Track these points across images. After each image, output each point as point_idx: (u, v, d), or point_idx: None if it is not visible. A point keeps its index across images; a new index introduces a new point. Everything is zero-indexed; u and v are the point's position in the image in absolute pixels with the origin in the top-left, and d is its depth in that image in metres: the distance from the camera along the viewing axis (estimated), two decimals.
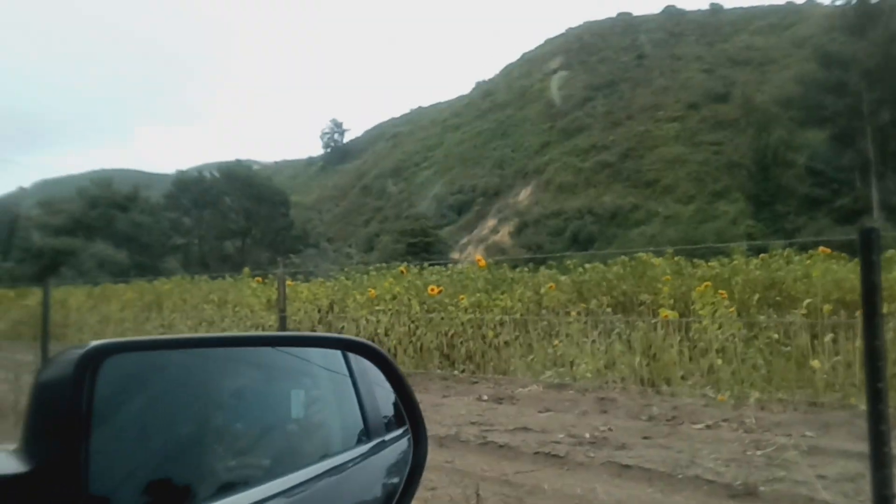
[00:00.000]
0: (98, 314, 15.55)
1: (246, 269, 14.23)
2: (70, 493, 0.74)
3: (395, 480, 1.20)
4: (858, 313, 6.71)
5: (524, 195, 64.74)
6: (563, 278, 10.59)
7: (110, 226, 48.64)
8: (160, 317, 13.96)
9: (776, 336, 7.15)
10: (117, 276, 26.68)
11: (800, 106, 48.65)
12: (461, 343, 9.08)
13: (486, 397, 7.30)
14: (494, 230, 62.21)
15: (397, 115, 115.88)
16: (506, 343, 8.80)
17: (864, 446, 4.73)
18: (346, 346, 1.29)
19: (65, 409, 0.77)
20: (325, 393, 1.31)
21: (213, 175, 64.13)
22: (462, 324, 9.11)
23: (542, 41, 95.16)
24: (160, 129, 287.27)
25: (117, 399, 0.87)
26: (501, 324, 8.93)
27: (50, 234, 45.82)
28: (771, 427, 5.40)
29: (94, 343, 0.83)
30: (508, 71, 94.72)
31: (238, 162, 73.80)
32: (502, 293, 9.66)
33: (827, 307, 7.25)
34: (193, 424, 1.00)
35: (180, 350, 1.06)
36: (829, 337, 6.75)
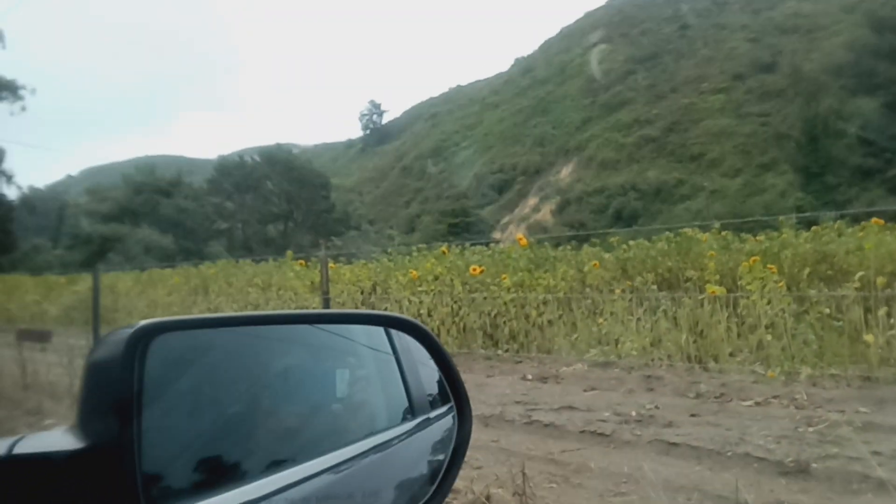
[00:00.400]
0: (146, 299, 15.94)
1: (289, 252, 14.40)
2: (124, 470, 0.75)
3: (441, 457, 1.20)
4: None
5: (566, 172, 64.18)
6: (606, 256, 10.50)
7: (155, 211, 49.75)
8: (206, 300, 14.24)
9: (828, 310, 6.98)
10: (163, 261, 27.26)
11: (850, 73, 47.02)
12: (504, 323, 9.07)
13: (530, 376, 7.29)
14: (536, 209, 61.88)
15: (436, 94, 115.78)
16: (549, 322, 8.76)
17: None
18: (389, 323, 1.30)
19: (116, 388, 0.78)
20: (370, 371, 1.32)
21: (254, 160, 64.92)
22: (505, 303, 9.10)
23: (581, 14, 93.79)
24: (201, 115, 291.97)
25: (167, 378, 0.89)
26: (545, 303, 8.90)
27: (98, 221, 47.01)
28: (823, 403, 5.28)
29: (143, 322, 0.84)
30: (548, 46, 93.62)
31: (278, 146, 74.47)
32: (545, 272, 9.61)
33: (880, 280, 7.05)
34: (241, 403, 1.01)
35: (227, 329, 1.07)
36: (883, 311, 6.57)
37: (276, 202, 61.77)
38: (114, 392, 0.78)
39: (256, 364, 1.08)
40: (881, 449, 4.10)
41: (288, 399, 1.10)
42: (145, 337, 0.83)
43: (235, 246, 51.80)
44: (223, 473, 0.90)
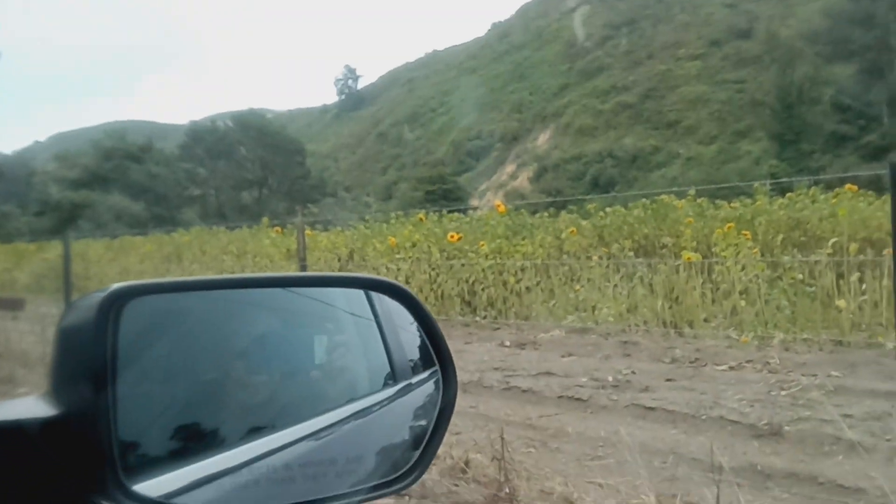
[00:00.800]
0: (118, 266, 15.74)
1: (265, 219, 14.30)
2: (98, 438, 0.73)
3: (423, 423, 1.19)
4: (886, 251, 6.66)
5: (543, 139, 64.15)
6: (583, 223, 10.54)
7: (126, 178, 48.89)
8: (180, 268, 14.13)
9: (801, 276, 7.08)
10: (135, 228, 26.94)
11: (826, 40, 47.27)
12: (482, 289, 9.10)
13: (508, 343, 7.34)
14: (513, 176, 61.88)
15: (412, 59, 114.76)
16: (527, 289, 8.80)
17: (891, 385, 4.72)
18: (369, 286, 1.27)
19: (89, 354, 0.75)
20: (350, 337, 1.29)
21: (226, 125, 64.06)
22: (483, 270, 9.11)
23: None
24: (172, 79, 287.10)
25: (141, 343, 0.86)
26: (522, 269, 8.92)
27: (67, 188, 46.15)
28: (795, 367, 5.38)
29: (116, 286, 0.81)
30: (525, 10, 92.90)
31: (251, 111, 73.52)
32: (523, 239, 9.63)
33: (853, 246, 7.16)
34: (218, 369, 0.99)
35: (203, 292, 1.04)
36: (855, 276, 6.68)
37: (250, 168, 61.07)
38: (87, 358, 0.76)
39: (233, 329, 1.06)
40: (852, 412, 4.19)
41: (265, 365, 1.07)
42: (118, 301, 0.79)
43: (209, 213, 51.22)
44: (201, 440, 0.88)
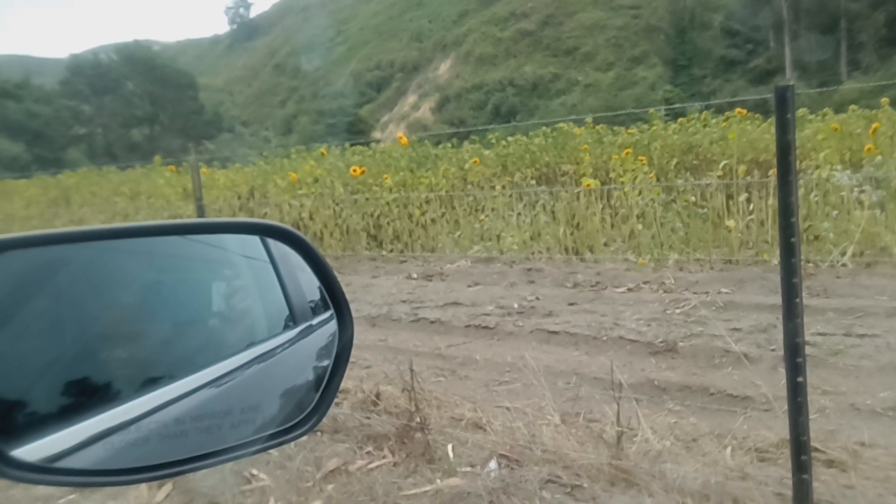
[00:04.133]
0: (0, 213, 14.82)
1: (157, 158, 13.68)
2: None
3: (326, 363, 1.17)
4: (771, 172, 7.00)
5: (444, 69, 63.46)
6: (486, 152, 10.59)
7: (3, 117, 45.55)
8: (69, 212, 13.41)
9: (693, 199, 7.38)
10: (16, 171, 25.26)
11: None
12: (388, 223, 9.05)
13: (415, 275, 7.36)
14: (415, 107, 61.20)
15: None
16: (432, 220, 8.81)
17: (775, 299, 5.02)
18: (261, 231, 1.22)
19: None
20: (247, 281, 1.25)
21: (110, 58, 60.16)
22: (387, 203, 9.04)
23: None
24: (47, 10, 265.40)
25: (14, 300, 0.80)
26: (427, 201, 8.91)
27: None
28: (689, 286, 5.65)
29: None
30: None
31: (136, 43, 69.20)
32: (427, 170, 9.59)
33: (742, 168, 7.50)
34: (108, 322, 0.93)
35: (86, 243, 0.97)
36: (743, 197, 7.01)
37: (139, 104, 57.87)
38: None
39: (122, 280, 1.00)
40: (740, 325, 4.46)
41: (159, 315, 1.02)
42: None
43: (97, 152, 48.51)
44: (91, 397, 0.83)
